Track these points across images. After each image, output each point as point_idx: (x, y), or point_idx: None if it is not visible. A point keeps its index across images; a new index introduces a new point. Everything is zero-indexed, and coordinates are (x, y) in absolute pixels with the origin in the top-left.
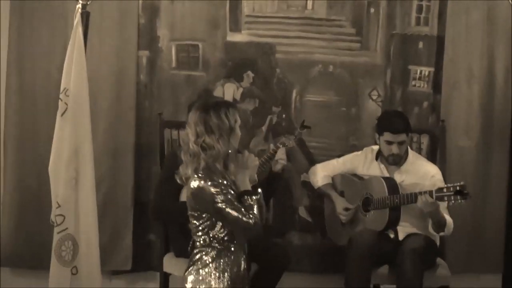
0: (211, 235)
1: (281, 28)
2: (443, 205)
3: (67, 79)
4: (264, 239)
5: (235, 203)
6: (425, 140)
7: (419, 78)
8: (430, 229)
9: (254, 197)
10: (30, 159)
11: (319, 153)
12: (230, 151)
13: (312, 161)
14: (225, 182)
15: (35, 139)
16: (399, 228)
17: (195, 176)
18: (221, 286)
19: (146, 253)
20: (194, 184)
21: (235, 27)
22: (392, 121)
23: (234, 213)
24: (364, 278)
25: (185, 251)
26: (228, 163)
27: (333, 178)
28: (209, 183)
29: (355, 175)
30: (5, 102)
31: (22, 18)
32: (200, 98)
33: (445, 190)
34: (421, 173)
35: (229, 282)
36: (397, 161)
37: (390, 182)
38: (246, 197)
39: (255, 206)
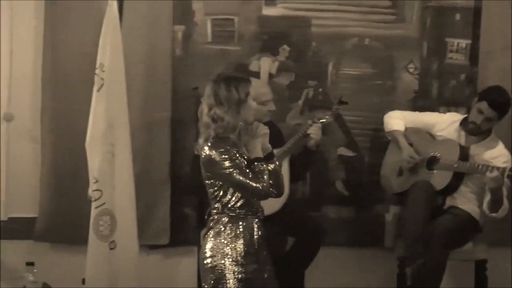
0: (223, 203)
1: (316, 1)
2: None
3: (103, 54)
4: (300, 213)
5: (244, 168)
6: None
7: (456, 51)
8: (485, 207)
9: (265, 164)
10: (67, 134)
11: (355, 126)
12: (240, 123)
13: (348, 134)
14: (235, 150)
15: (72, 114)
16: (449, 197)
17: (205, 146)
18: (235, 252)
19: (183, 227)
20: (204, 153)
21: (270, 1)
22: (496, 96)
23: (242, 178)
24: (424, 223)
25: None
26: (240, 134)
27: (406, 129)
28: (218, 151)
29: (428, 133)
30: (42, 77)
31: None
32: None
33: None
34: (495, 154)
35: (242, 248)
36: (474, 131)
37: (464, 150)
38: (256, 163)
39: (266, 172)
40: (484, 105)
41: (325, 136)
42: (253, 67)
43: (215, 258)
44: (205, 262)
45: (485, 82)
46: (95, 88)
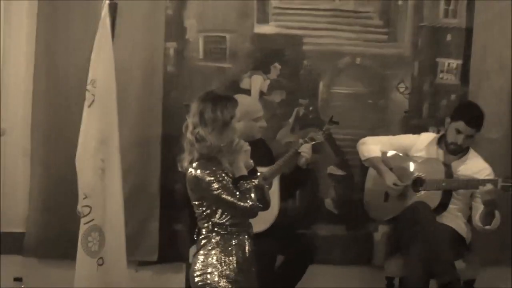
0: (213, 222)
1: (309, 19)
2: None
3: (94, 70)
4: (290, 231)
5: (231, 188)
6: None
7: (447, 71)
8: (477, 221)
9: (249, 181)
10: (58, 149)
11: (346, 144)
12: (222, 145)
13: (339, 153)
14: (220, 170)
15: (63, 129)
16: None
17: (190, 167)
18: (228, 269)
19: (173, 243)
20: (190, 174)
21: (263, 19)
22: (471, 114)
23: (230, 198)
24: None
25: None
26: (223, 152)
27: (382, 154)
28: (205, 172)
29: (406, 155)
30: (33, 91)
31: (51, 7)
32: (228, 90)
33: (511, 181)
34: (477, 169)
35: (235, 265)
36: (456, 151)
37: (448, 168)
38: (242, 181)
39: (253, 190)
40: (461, 124)
41: (316, 155)
42: (244, 84)
43: (207, 276)
44: (196, 280)
45: (477, 102)
46: (86, 104)
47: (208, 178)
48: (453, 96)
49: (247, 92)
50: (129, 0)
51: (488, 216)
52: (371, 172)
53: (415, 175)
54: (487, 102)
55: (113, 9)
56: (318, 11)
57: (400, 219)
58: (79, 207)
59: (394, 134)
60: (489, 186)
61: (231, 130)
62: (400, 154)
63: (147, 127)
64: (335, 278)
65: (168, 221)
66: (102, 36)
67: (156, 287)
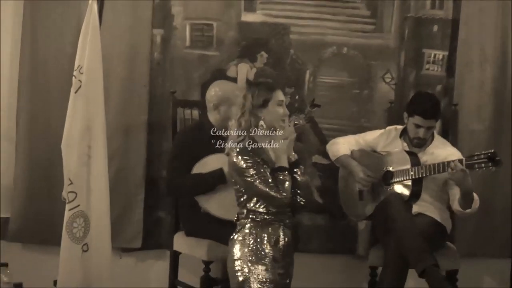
0: (248, 208)
1: (295, 9)
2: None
3: (81, 56)
4: None
5: (266, 177)
6: (437, 123)
7: (433, 62)
8: (456, 207)
9: (283, 174)
10: (42, 135)
11: (331, 134)
12: (254, 128)
13: (324, 142)
14: (259, 158)
15: (48, 115)
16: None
17: (234, 151)
18: (258, 256)
19: (157, 231)
20: (230, 158)
21: (250, 7)
22: (425, 106)
23: (263, 187)
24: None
25: (195, 230)
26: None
27: (351, 153)
28: (243, 157)
29: (374, 151)
30: (19, 78)
31: None
32: (214, 78)
33: (475, 157)
34: (444, 156)
35: (265, 253)
36: (421, 144)
37: (414, 157)
38: (278, 172)
39: (287, 183)
40: (418, 119)
41: (300, 143)
42: (230, 72)
43: (240, 261)
44: (230, 265)
45: (461, 94)
46: (72, 89)
47: (245, 164)
48: (438, 87)
49: (234, 80)
50: None
51: (466, 199)
52: (342, 173)
53: (384, 169)
54: (471, 93)
55: None
56: (305, 0)
57: (375, 213)
58: (64, 193)
59: (379, 124)
60: (454, 165)
61: (268, 113)
62: (368, 151)
63: (133, 114)
64: (319, 267)
65: (152, 208)
66: (90, 22)
67: (140, 274)
